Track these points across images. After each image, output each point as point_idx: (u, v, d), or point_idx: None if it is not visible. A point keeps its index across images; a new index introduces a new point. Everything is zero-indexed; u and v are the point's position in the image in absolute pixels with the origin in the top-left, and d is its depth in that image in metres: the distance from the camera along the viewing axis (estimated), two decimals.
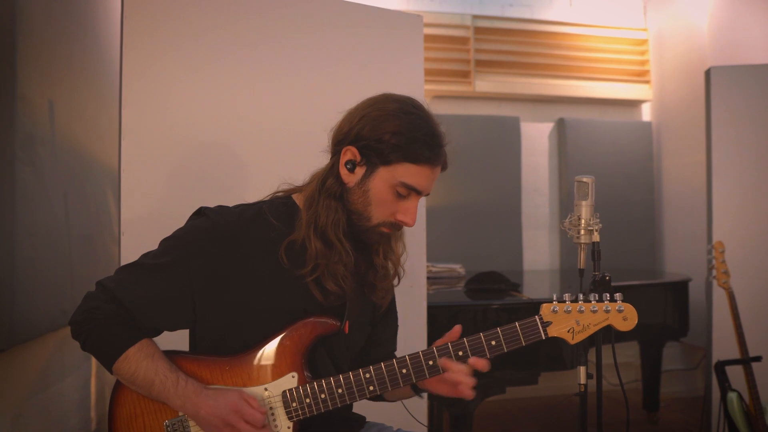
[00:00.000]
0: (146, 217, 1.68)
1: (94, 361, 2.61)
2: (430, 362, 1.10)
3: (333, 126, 1.18)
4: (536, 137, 3.90)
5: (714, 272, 2.32)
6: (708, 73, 2.61)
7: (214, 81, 1.80)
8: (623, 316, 1.10)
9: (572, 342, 1.09)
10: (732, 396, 2.23)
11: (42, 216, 1.79)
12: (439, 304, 2.14)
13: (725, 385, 2.27)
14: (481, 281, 2.52)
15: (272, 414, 1.12)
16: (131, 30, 1.70)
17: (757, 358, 2.25)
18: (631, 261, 3.72)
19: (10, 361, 1.77)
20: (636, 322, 1.09)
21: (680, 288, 2.87)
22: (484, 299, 2.30)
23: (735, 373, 2.27)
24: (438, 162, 1.13)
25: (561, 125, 3.86)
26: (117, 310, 1.09)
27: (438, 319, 2.07)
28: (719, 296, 2.44)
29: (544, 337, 1.09)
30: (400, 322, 1.39)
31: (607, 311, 1.10)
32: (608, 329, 1.13)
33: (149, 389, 1.09)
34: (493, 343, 1.09)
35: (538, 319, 1.10)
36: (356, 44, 1.96)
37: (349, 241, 1.14)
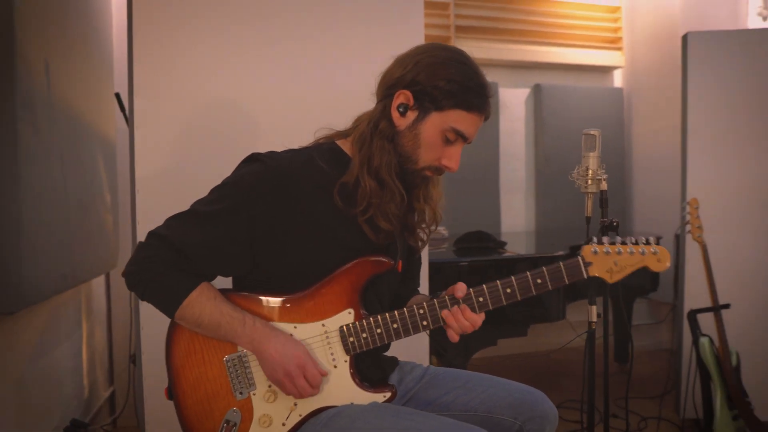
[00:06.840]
0: (160, 174, 1.68)
1: (85, 327, 2.59)
2: (480, 299, 1.16)
3: (381, 71, 1.20)
4: (514, 103, 3.97)
5: (689, 227, 2.46)
6: (685, 38, 2.71)
7: (225, 37, 1.80)
8: (657, 258, 1.17)
9: (610, 281, 1.16)
10: (704, 341, 2.40)
11: (43, 178, 1.76)
12: (442, 261, 2.21)
13: (697, 332, 2.44)
14: (470, 240, 2.61)
15: (329, 348, 1.16)
16: None
17: (726, 306, 2.42)
18: None
19: (14, 326, 1.76)
20: (669, 262, 1.16)
21: None
22: (480, 256, 2.39)
23: (705, 322, 2.44)
24: (486, 111, 1.17)
25: (537, 91, 3.94)
26: (174, 257, 1.09)
27: (438, 276, 2.14)
28: (690, 251, 2.60)
29: (585, 277, 1.16)
30: None
31: (642, 254, 1.17)
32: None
33: (216, 331, 1.12)
34: (539, 281, 1.15)
35: (580, 260, 1.16)
36: (359, 7, 1.98)
37: (401, 182, 1.17)
